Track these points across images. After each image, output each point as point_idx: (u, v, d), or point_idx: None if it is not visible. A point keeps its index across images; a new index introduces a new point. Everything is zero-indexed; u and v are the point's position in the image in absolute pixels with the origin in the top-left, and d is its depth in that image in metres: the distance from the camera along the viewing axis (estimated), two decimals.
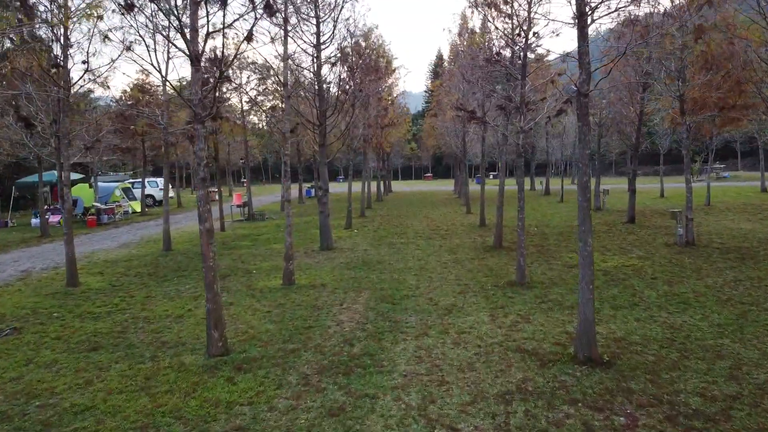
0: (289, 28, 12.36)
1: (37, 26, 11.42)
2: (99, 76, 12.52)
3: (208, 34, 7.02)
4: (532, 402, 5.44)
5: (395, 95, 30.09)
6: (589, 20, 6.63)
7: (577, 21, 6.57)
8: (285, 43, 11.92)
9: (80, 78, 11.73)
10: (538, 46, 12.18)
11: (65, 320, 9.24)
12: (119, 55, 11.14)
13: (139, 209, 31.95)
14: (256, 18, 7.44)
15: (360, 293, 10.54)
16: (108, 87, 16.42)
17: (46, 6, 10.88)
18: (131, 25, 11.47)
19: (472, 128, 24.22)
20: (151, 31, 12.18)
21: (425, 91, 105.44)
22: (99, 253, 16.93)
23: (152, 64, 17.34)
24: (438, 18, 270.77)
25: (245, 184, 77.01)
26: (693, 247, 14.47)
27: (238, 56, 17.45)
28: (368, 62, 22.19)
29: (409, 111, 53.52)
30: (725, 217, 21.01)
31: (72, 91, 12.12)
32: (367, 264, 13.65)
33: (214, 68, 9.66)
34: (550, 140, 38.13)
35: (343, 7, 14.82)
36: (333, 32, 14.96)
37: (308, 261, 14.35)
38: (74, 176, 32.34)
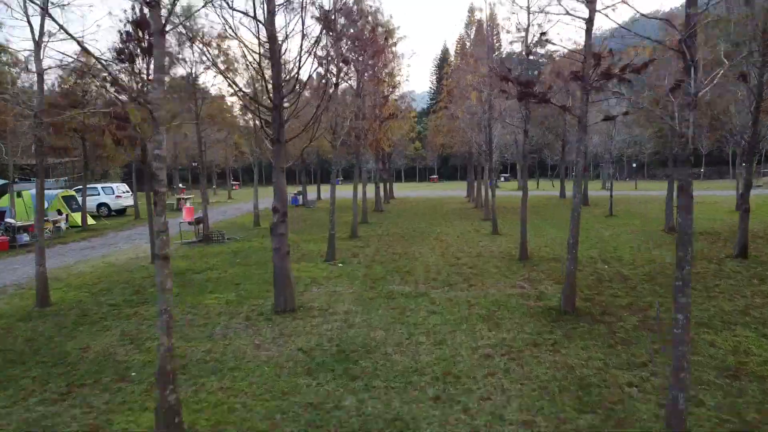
0: None
1: None
2: None
3: None
4: None
5: (397, 79, 23.87)
6: None
7: None
8: None
9: None
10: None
11: None
12: None
13: (80, 222, 25.80)
14: None
15: None
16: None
17: None
18: None
19: (503, 116, 17.96)
20: None
21: (430, 88, 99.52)
22: None
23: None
24: (439, 16, 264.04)
25: (235, 187, 70.70)
26: None
27: None
28: (360, 31, 16.04)
29: (413, 107, 47.33)
30: None
31: None
32: (345, 355, 7.49)
33: None
34: (590, 133, 31.84)
35: None
36: None
37: (240, 344, 8.17)
38: None
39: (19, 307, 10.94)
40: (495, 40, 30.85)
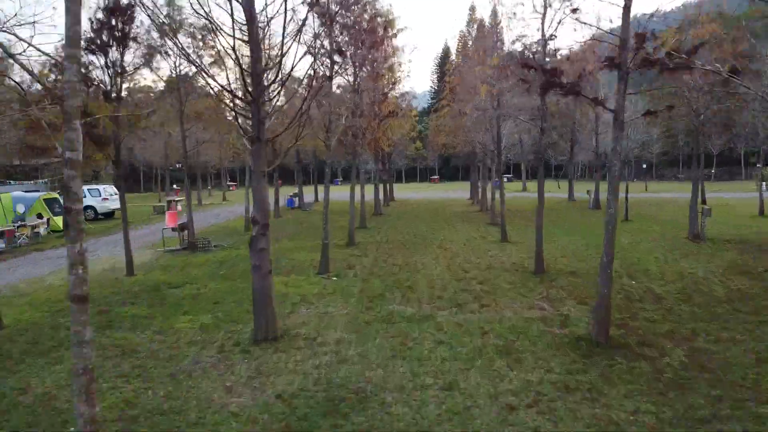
0: None
1: None
2: None
3: None
4: None
5: (398, 75, 22.38)
6: None
7: None
8: None
9: None
10: None
11: None
12: None
13: (61, 227, 24.32)
14: None
15: None
16: None
17: None
18: None
19: (515, 112, 16.48)
20: None
21: (431, 88, 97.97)
22: None
23: None
24: (439, 14, 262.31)
25: (232, 188, 68.72)
26: None
27: None
28: (356, 19, 14.62)
29: (413, 106, 45.82)
30: None
31: None
32: (333, 405, 6.04)
33: None
34: (601, 132, 30.17)
35: None
36: None
37: (208, 386, 6.71)
38: None
39: None
40: (497, 38, 29.43)
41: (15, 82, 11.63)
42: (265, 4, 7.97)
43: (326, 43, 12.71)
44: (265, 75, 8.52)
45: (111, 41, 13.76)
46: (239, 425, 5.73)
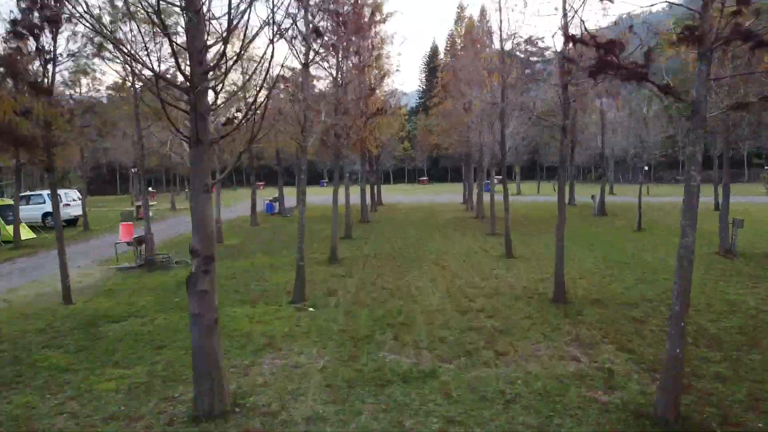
0: None
1: None
2: None
3: None
4: None
5: (386, 68, 20.13)
6: None
7: None
8: None
9: None
10: None
11: None
12: None
13: (12, 237, 21.78)
14: None
15: None
16: None
17: None
18: None
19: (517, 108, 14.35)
20: None
21: (419, 87, 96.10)
22: None
23: None
24: (425, 13, 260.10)
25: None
26: None
27: None
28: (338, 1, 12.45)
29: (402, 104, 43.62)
30: None
31: None
32: None
33: None
34: (605, 130, 28.14)
35: None
36: None
37: None
38: None
39: None
40: (486, 38, 27.51)
41: None
42: None
43: (302, 24, 10.50)
44: (219, 55, 6.26)
45: (41, 22, 11.41)
46: None
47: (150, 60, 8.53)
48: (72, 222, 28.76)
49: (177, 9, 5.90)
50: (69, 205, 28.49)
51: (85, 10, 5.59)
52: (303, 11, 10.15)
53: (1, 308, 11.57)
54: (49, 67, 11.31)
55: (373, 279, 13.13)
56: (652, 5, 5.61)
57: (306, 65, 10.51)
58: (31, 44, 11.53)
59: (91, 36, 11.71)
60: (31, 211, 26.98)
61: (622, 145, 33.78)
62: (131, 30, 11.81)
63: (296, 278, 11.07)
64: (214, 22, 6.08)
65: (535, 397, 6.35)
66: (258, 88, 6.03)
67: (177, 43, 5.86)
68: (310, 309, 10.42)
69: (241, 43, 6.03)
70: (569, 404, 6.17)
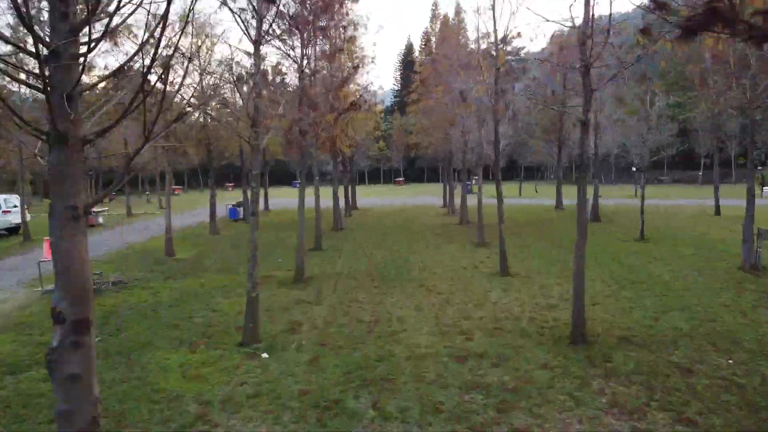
0: None
1: None
2: None
3: None
4: None
5: (360, 57, 17.87)
6: None
7: None
8: None
9: None
10: None
11: None
12: None
13: None
14: None
15: None
16: None
17: None
18: None
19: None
20: None
21: (393, 86, 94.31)
22: None
23: None
24: (399, 10, 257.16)
25: (177, 191, 61.97)
26: None
27: None
28: None
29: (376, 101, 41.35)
30: None
31: None
32: None
33: None
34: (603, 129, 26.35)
35: None
36: None
37: None
38: None
39: None
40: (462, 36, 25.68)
41: None
42: None
43: None
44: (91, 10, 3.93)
45: None
46: None
47: None
48: (13, 230, 25.69)
49: None
50: (9, 212, 25.42)
51: None
52: None
53: None
54: None
55: (345, 306, 10.86)
56: None
57: (257, 42, 8.22)
58: None
59: None
60: None
61: (607, 145, 32.29)
62: None
63: (246, 314, 8.74)
64: None
65: None
66: (147, 68, 3.70)
67: None
68: (264, 355, 8.11)
69: None
70: None
